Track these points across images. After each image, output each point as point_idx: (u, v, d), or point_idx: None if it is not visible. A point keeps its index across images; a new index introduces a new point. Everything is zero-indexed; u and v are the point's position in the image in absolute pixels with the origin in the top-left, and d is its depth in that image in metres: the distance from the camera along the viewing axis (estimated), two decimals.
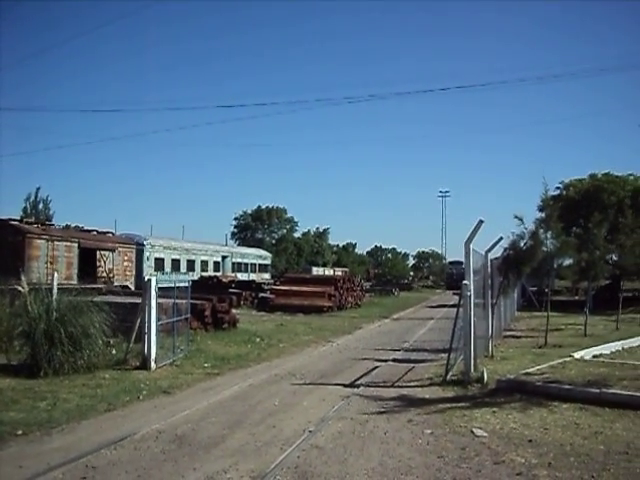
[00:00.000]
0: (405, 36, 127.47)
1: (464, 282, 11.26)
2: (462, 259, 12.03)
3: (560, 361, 12.85)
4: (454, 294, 42.81)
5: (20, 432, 7.40)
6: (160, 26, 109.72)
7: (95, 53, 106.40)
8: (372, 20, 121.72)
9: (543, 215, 15.79)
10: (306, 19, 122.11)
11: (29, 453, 6.63)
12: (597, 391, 9.22)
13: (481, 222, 11.32)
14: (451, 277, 75.03)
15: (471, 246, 11.53)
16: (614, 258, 27.06)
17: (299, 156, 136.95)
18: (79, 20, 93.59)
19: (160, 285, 13.19)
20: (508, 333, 20.09)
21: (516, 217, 15.46)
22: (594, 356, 13.83)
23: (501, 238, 15.07)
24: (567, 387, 9.68)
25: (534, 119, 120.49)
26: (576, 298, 31.83)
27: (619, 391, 9.33)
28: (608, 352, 14.50)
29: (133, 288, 29.44)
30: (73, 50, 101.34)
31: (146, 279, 12.77)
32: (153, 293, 12.18)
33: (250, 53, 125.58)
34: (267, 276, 55.79)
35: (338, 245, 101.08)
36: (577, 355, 13.57)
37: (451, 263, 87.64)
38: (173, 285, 14.43)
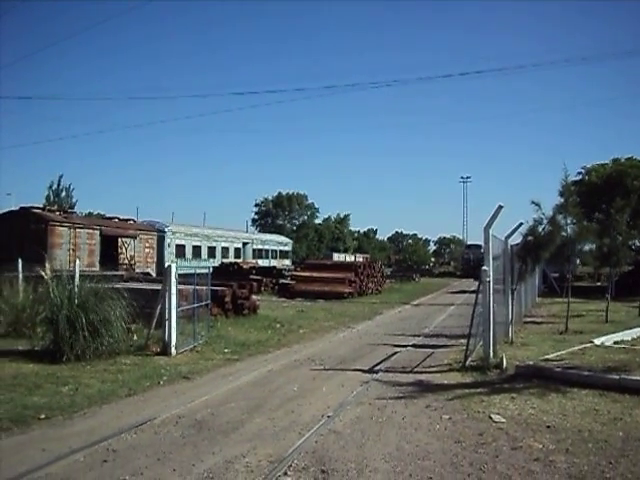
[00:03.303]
0: (425, 24, 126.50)
1: (483, 268, 11.21)
2: (480, 243, 11.93)
3: (580, 347, 12.78)
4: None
5: (43, 416, 7.52)
6: (175, 16, 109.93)
7: (113, 41, 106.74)
8: (393, 6, 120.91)
9: (562, 201, 15.62)
10: (328, 6, 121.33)
11: (52, 436, 6.74)
12: (617, 377, 9.18)
13: (500, 207, 11.25)
14: (468, 262, 70.11)
15: (490, 231, 11.48)
16: (638, 244, 26.77)
17: (320, 142, 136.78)
18: (95, 8, 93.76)
19: (180, 272, 13.28)
20: (528, 319, 19.99)
21: (533, 202, 15.34)
22: (615, 342, 13.72)
23: (521, 224, 14.98)
24: (586, 373, 9.62)
25: (557, 104, 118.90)
26: (598, 284, 31.54)
27: (639, 377, 9.27)
28: (629, 338, 14.38)
29: (154, 275, 29.67)
30: (91, 38, 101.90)
31: (166, 266, 12.86)
32: (173, 279, 12.28)
33: (272, 39, 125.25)
34: (288, 262, 55.85)
35: (359, 231, 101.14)
36: (597, 341, 13.49)
37: (468, 247, 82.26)
38: (193, 271, 14.53)
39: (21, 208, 29.89)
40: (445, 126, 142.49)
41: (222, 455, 6.12)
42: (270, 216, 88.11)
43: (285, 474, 5.62)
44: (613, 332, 15.07)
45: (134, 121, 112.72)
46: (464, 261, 76.87)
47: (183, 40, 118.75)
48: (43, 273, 12.38)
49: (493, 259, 11.79)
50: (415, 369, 11.21)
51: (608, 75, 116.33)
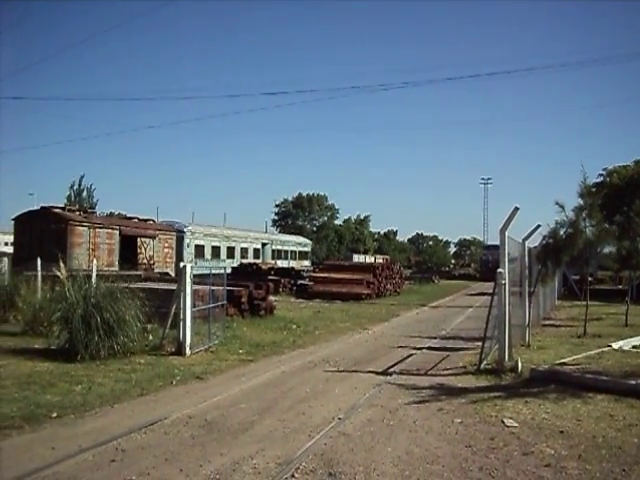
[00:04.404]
0: (440, 20, 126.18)
1: (499, 270, 11.09)
2: (498, 243, 11.78)
3: (597, 351, 12.64)
4: None
5: (55, 415, 7.57)
6: (192, 18, 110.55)
7: (137, 42, 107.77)
8: (405, 5, 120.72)
9: (582, 203, 15.43)
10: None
11: (62, 435, 6.77)
12: (634, 382, 9.02)
13: (516, 209, 11.14)
14: (486, 264, 66.55)
15: (507, 233, 11.36)
16: None
17: (341, 143, 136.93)
18: (120, 8, 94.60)
19: (197, 272, 13.30)
20: (547, 322, 19.84)
21: (557, 204, 15.17)
22: (633, 346, 13.54)
23: (539, 226, 14.82)
24: (603, 378, 9.49)
25: (579, 105, 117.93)
26: (619, 287, 31.12)
27: None
28: None
29: (173, 275, 29.79)
30: (115, 38, 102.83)
31: (181, 266, 12.89)
32: (188, 280, 12.30)
33: (282, 41, 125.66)
34: (307, 263, 55.95)
35: (379, 232, 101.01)
36: (615, 345, 13.32)
37: (486, 248, 79.07)
38: (209, 272, 14.56)
39: (41, 208, 30.23)
40: (466, 126, 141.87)
41: (230, 456, 6.10)
42: (290, 217, 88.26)
43: (292, 476, 5.59)
44: (632, 336, 14.86)
45: (155, 122, 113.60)
46: (482, 263, 74.23)
47: (204, 41, 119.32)
48: (58, 273, 12.47)
49: (510, 261, 11.69)
50: (429, 372, 11.13)
51: (632, 75, 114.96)
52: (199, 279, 13.93)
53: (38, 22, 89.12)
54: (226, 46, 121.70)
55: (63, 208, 31.31)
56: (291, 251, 56.16)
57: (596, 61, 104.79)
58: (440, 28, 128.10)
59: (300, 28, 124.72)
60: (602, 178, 38.67)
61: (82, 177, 55.79)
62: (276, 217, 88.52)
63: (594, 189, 17.58)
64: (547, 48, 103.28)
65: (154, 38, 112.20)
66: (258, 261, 44.54)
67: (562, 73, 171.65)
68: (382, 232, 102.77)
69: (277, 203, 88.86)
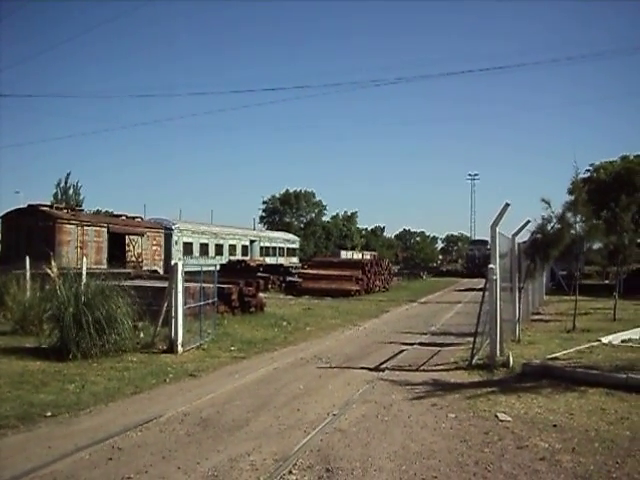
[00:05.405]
0: (429, 14, 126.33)
1: (490, 266, 11.15)
2: (486, 238, 11.86)
3: (587, 346, 12.74)
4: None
5: (49, 414, 7.53)
6: (183, 15, 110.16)
7: (122, 40, 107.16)
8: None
9: (572, 198, 15.56)
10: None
11: (57, 434, 6.75)
12: (624, 376, 9.12)
13: (507, 205, 11.19)
14: (472, 260, 66.17)
15: (497, 229, 11.41)
16: None
17: (327, 140, 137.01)
18: (105, 7, 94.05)
19: (187, 269, 13.28)
20: (536, 317, 19.98)
21: (543, 200, 15.31)
22: (622, 341, 13.67)
23: (528, 221, 14.92)
24: (594, 372, 9.57)
25: (565, 100, 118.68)
26: (606, 282, 31.32)
27: None
28: (637, 337, 14.28)
29: (162, 272, 29.73)
30: (101, 37, 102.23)
31: (172, 264, 12.86)
32: (179, 277, 12.28)
33: (273, 38, 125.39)
34: (295, 260, 55.98)
35: (367, 229, 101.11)
36: (605, 340, 13.43)
37: (473, 243, 78.86)
38: (200, 269, 14.54)
39: (29, 206, 30.05)
40: (452, 123, 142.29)
41: (227, 453, 6.11)
42: (278, 214, 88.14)
43: (290, 472, 5.61)
44: (621, 330, 15.01)
45: (142, 119, 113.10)
46: (469, 259, 72.42)
47: (191, 39, 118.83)
48: (49, 271, 12.42)
49: (500, 257, 11.73)
50: (421, 367, 11.17)
51: (618, 71, 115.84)
52: (189, 276, 13.89)
53: (29, 19, 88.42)
54: (217, 44, 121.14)
55: (51, 206, 31.16)
56: (279, 248, 56.10)
57: (571, 58, 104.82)
58: (427, 22, 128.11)
59: (288, 24, 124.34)
60: (589, 174, 38.96)
61: (68, 175, 55.71)
62: (264, 214, 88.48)
63: (581, 185, 17.62)
64: (537, 43, 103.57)
65: (144, 36, 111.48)
66: (246, 258, 44.45)
67: (552, 68, 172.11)
68: (369, 228, 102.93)
69: (264, 200, 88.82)
